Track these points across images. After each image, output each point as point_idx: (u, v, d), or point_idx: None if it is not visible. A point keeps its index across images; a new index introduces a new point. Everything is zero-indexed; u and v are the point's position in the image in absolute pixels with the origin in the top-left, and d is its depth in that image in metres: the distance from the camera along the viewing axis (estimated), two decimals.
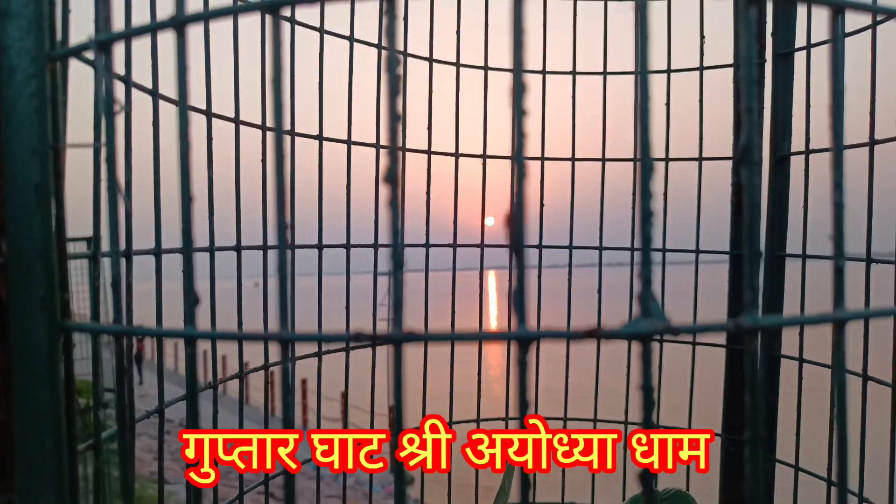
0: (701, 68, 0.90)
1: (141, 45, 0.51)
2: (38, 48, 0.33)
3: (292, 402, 0.26)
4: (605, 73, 0.96)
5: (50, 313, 0.32)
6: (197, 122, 0.70)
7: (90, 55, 0.32)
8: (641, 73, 0.23)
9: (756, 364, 0.26)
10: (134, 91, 0.54)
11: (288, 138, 0.79)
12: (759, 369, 0.26)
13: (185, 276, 0.28)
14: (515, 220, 0.25)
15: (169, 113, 0.57)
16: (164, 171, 0.56)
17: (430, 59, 0.94)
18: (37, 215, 0.32)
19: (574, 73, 0.98)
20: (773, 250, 0.81)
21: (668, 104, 0.92)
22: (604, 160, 0.95)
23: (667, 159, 0.92)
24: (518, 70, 0.24)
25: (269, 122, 0.73)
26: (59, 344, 0.32)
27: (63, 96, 0.36)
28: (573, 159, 0.96)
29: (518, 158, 0.25)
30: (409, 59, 0.92)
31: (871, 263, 0.67)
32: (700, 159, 0.91)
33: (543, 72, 0.97)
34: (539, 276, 1.03)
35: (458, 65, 0.96)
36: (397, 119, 0.25)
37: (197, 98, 0.69)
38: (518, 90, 0.24)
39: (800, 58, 0.82)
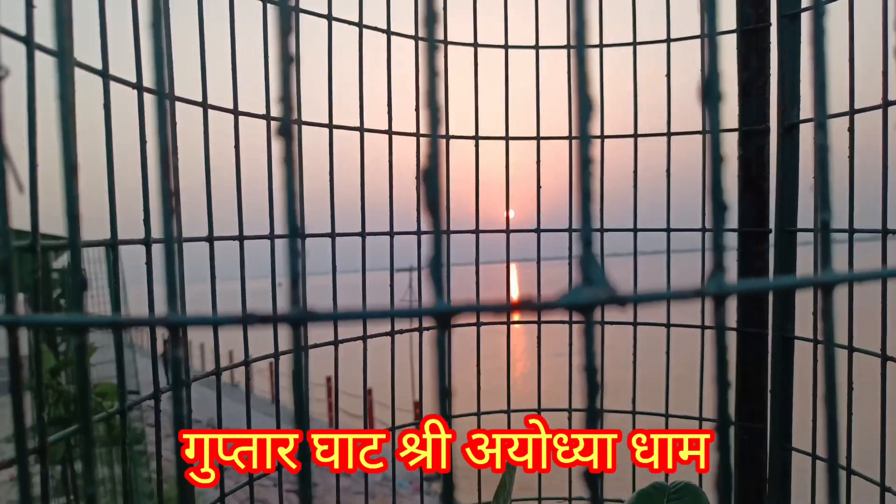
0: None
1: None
2: None
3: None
4: (634, 44, 0.91)
5: None
6: (195, 115, 0.68)
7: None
8: None
9: (724, 338, 0.22)
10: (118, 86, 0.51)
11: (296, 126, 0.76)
12: (727, 344, 0.22)
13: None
14: (430, 175, 0.21)
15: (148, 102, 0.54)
16: (153, 162, 0.53)
17: (445, 42, 0.90)
18: None
19: (601, 45, 0.93)
20: (783, 225, 0.76)
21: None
22: (669, 134, 0.89)
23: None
24: None
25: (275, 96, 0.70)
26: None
27: None
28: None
29: (431, 100, 0.21)
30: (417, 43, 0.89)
31: (887, 234, 0.62)
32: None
33: (568, 46, 0.92)
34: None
35: (475, 45, 0.92)
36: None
37: (194, 92, 0.66)
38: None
39: (807, 19, 0.77)
